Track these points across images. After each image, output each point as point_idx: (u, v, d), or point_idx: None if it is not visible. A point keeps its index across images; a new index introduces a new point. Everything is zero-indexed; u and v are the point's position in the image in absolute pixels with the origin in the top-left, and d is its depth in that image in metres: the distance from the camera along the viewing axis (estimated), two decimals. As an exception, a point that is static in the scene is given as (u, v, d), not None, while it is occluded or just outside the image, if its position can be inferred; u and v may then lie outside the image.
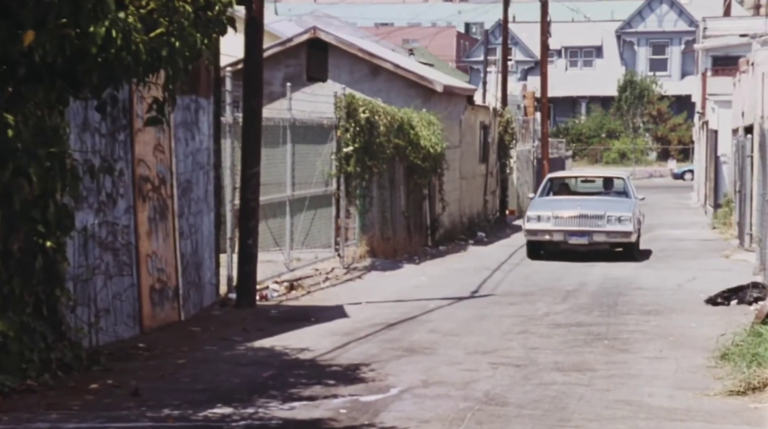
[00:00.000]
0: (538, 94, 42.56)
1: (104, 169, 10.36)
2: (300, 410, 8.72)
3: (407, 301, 15.82)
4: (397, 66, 25.33)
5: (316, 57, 25.04)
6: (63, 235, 9.57)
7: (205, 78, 14.11)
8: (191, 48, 8.69)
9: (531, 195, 26.27)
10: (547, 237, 21.89)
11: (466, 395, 9.29)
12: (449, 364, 10.78)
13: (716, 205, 31.92)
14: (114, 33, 7.85)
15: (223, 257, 15.31)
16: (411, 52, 53.51)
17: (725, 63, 40.16)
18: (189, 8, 8.65)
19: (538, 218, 21.93)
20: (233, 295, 14.99)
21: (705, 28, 44.52)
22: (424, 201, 24.70)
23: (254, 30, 14.74)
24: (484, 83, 40.73)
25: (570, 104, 72.79)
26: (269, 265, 17.44)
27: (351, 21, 66.63)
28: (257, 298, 15.20)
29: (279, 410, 8.70)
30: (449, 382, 9.86)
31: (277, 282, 16.92)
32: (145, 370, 10.22)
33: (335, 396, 9.21)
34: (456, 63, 79.88)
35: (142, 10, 8.45)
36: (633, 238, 21.85)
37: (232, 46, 17.17)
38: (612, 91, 69.58)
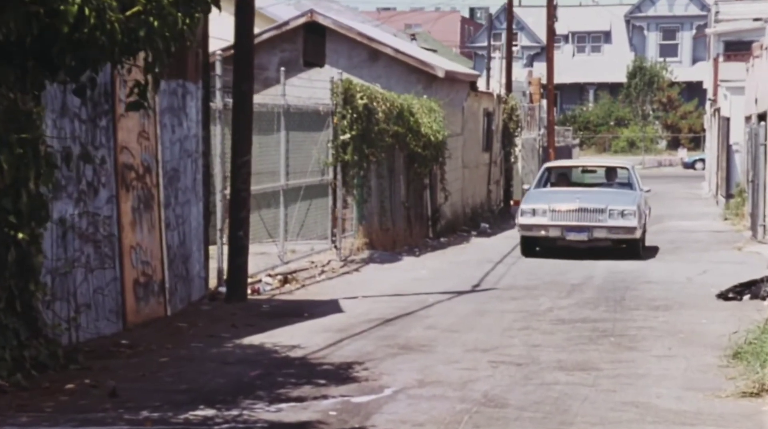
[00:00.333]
0: (544, 81, 42.27)
1: (82, 156, 10.05)
2: (287, 412, 8.46)
3: (406, 295, 15.57)
4: (397, 51, 25.04)
5: (313, 41, 24.76)
6: (37, 226, 9.29)
7: (192, 61, 13.83)
8: (171, 28, 8.39)
9: (526, 186, 24.30)
10: (542, 232, 20.57)
11: (464, 396, 9.02)
12: (447, 362, 10.52)
13: (728, 196, 31.69)
14: (87, 11, 7.54)
15: (213, 249, 15.04)
16: (413, 37, 53.24)
17: (738, 48, 39.85)
18: (168, -15, 8.37)
19: (533, 212, 20.63)
20: (223, 289, 14.72)
21: (717, 12, 44.23)
22: (425, 191, 24.45)
23: (245, 9, 14.45)
24: (488, 69, 40.42)
25: (577, 91, 72.50)
26: (262, 258, 17.20)
27: (352, 6, 66.41)
28: (249, 292, 14.93)
29: (265, 412, 8.44)
30: (446, 381, 9.59)
31: (270, 275, 16.67)
32: (126, 368, 9.95)
33: (325, 397, 8.95)
34: (460, 49, 79.62)
35: (117, -13, 8.15)
36: (637, 234, 20.54)
37: (223, 30, 16.92)
38: (621, 77, 69.26)
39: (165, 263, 12.92)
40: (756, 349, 10.15)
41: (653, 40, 72.78)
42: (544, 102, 42.74)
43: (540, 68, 53.59)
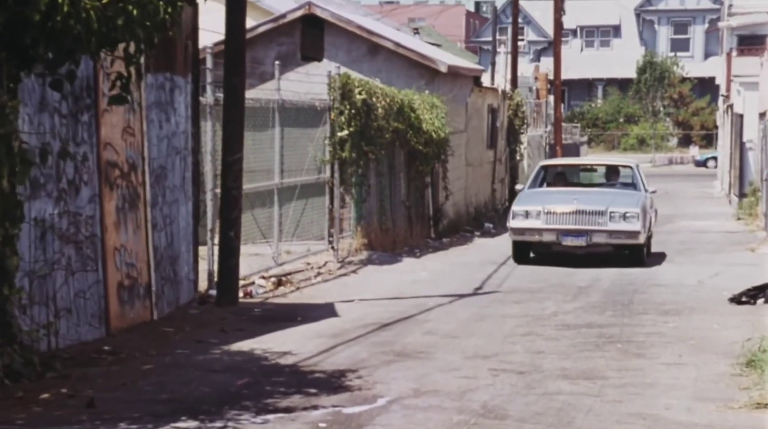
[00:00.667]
0: (551, 76, 42.05)
1: (61, 153, 9.79)
2: (274, 424, 8.20)
3: (404, 298, 15.33)
4: (397, 44, 24.79)
5: (311, 35, 24.52)
6: (12, 226, 9.03)
7: (181, 54, 13.57)
8: (152, 17, 8.13)
9: (520, 186, 22.76)
10: (536, 237, 19.21)
11: (462, 407, 8.76)
12: (445, 370, 10.26)
13: (741, 195, 31.47)
14: (59, -2, 7.29)
15: (203, 250, 14.79)
16: (416, 31, 52.98)
17: (752, 42, 39.63)
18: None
19: (526, 214, 19.23)
20: (214, 292, 14.47)
21: (730, 5, 43.95)
22: (427, 189, 24.22)
23: (236, -2, 14.19)
24: (493, 64, 40.19)
25: (586, 87, 72.25)
26: (256, 259, 16.97)
27: (354, -1, 66.09)
28: (240, 295, 14.68)
29: (251, 424, 8.18)
30: (444, 391, 9.33)
31: (263, 277, 16.43)
32: (106, 377, 9.69)
33: (315, 407, 8.69)
34: (465, 43, 79.41)
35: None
36: (641, 239, 19.18)
37: (216, 22, 16.64)
38: (630, 73, 69.01)
39: (151, 265, 12.66)
40: (771, 357, 9.91)
41: (664, 34, 72.46)
42: (551, 98, 42.52)
43: (547, 63, 53.37)
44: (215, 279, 14.57)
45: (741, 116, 33.25)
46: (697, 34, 71.91)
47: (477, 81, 28.13)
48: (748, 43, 40.39)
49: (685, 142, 68.00)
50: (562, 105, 43.40)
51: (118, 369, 10.06)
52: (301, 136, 18.72)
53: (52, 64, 8.74)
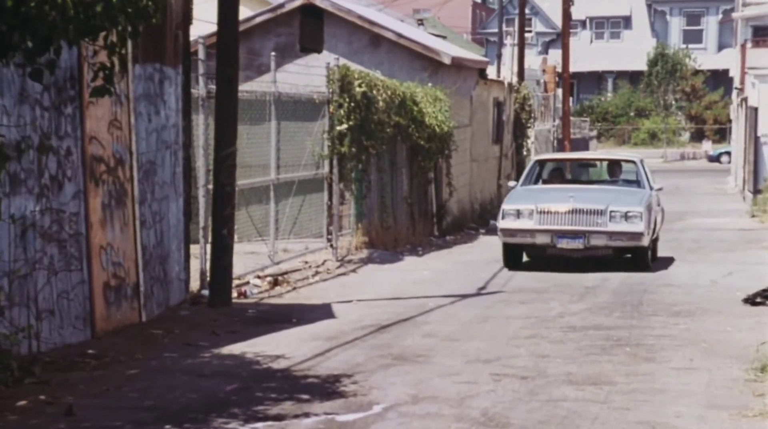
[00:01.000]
0: (559, 69, 41.84)
1: (40, 147, 9.55)
2: (263, 432, 7.99)
3: (404, 298, 15.11)
4: (400, 35, 24.57)
5: (310, 25, 24.32)
6: (-13, 224, 8.80)
7: (171, 44, 13.33)
8: (134, 4, 7.89)
9: (512, 183, 21.00)
10: (528, 239, 17.92)
11: (461, 414, 8.54)
12: (444, 375, 10.03)
13: (756, 191, 31.26)
14: (32, -18, 7.05)
15: (195, 249, 14.57)
16: (420, 22, 52.79)
17: (767, 33, 39.35)
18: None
19: (517, 214, 17.95)
20: (206, 292, 14.25)
21: (744, -5, 43.71)
22: (430, 185, 24.00)
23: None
24: (499, 56, 39.97)
25: (595, 80, 71.99)
26: (251, 258, 16.78)
27: (357, -11, 65.84)
28: (234, 295, 14.47)
29: (238, 432, 7.97)
30: (442, 397, 9.11)
31: (259, 276, 16.21)
32: (89, 382, 9.46)
33: (307, 415, 8.47)
34: (471, 35, 79.18)
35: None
36: (644, 242, 17.89)
37: (210, 12, 16.42)
38: (641, 65, 68.67)
39: (140, 264, 12.44)
40: (787, 361, 9.69)
41: (676, 25, 72.14)
42: (560, 91, 42.33)
43: (555, 56, 53.10)
44: (208, 278, 14.35)
45: (756, 110, 33.02)
46: (710, 25, 71.60)
47: (482, 73, 27.90)
48: (763, 34, 40.16)
49: (698, 136, 67.73)
50: (571, 98, 43.22)
51: (102, 374, 9.84)
52: (299, 130, 18.51)
53: (30, 54, 8.49)
